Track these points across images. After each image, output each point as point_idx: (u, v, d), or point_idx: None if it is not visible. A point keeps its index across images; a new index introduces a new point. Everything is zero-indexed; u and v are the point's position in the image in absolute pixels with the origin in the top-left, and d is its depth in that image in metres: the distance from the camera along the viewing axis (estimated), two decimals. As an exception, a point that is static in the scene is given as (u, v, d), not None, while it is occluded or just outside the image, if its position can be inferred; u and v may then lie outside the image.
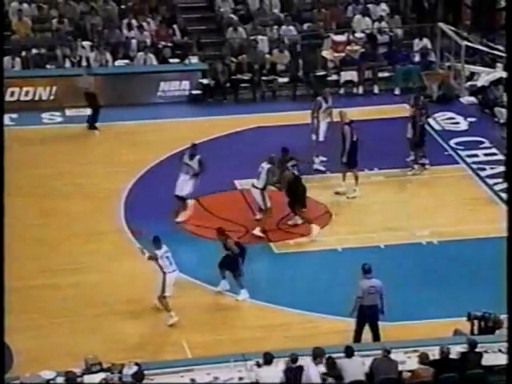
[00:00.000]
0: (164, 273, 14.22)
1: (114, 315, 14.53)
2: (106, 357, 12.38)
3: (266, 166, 16.72)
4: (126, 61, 23.01)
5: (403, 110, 20.61)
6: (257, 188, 16.73)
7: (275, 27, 23.88)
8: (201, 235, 16.77)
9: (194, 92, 22.56)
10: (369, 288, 13.43)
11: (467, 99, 22.40)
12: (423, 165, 18.95)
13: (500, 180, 18.32)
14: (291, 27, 23.77)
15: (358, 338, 13.51)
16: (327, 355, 12.17)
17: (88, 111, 21.53)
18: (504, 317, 12.60)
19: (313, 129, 18.91)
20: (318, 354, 11.99)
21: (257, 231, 16.60)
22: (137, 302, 14.86)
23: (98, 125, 20.91)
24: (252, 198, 17.06)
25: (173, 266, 14.26)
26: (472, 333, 13.19)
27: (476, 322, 13.29)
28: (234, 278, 14.98)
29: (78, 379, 11.89)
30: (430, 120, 21.35)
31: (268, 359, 12.07)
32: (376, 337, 13.50)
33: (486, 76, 22.44)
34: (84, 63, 22.74)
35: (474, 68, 22.96)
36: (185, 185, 16.99)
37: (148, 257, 14.34)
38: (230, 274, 14.96)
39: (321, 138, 18.92)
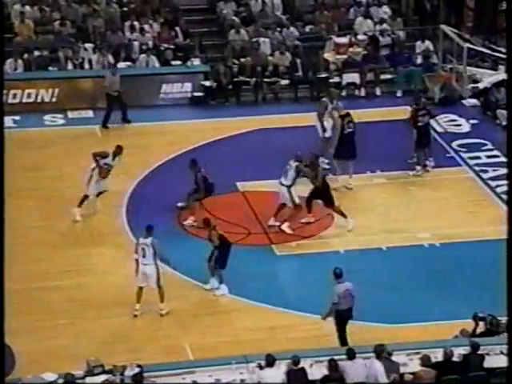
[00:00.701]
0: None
1: (117, 317, 14.52)
2: (107, 359, 12.39)
3: (293, 163, 16.70)
4: (128, 63, 23.03)
5: (405, 112, 20.60)
6: (284, 185, 16.67)
7: (278, 29, 23.90)
8: (202, 237, 16.76)
9: (196, 94, 22.56)
10: (344, 292, 13.42)
11: (469, 101, 22.39)
12: (425, 166, 18.95)
13: (502, 182, 18.32)
14: (294, 29, 23.77)
15: (345, 341, 13.49)
16: (329, 357, 12.18)
17: (89, 113, 21.60)
18: (505, 319, 12.60)
19: (320, 129, 18.89)
20: (380, 351, 11.96)
21: (286, 227, 16.54)
22: (139, 303, 14.84)
23: (97, 127, 20.95)
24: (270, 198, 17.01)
25: (145, 259, 14.33)
26: (474, 333, 13.16)
27: (481, 323, 13.26)
28: (215, 269, 15.00)
29: (80, 381, 11.88)
30: (433, 122, 21.36)
31: (270, 361, 12.07)
32: (343, 339, 13.47)
33: (488, 78, 22.44)
34: (86, 65, 22.78)
35: (476, 70, 22.96)
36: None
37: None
38: (214, 266, 14.99)
39: (327, 135, 18.89)
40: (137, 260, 14.51)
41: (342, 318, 13.48)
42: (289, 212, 16.80)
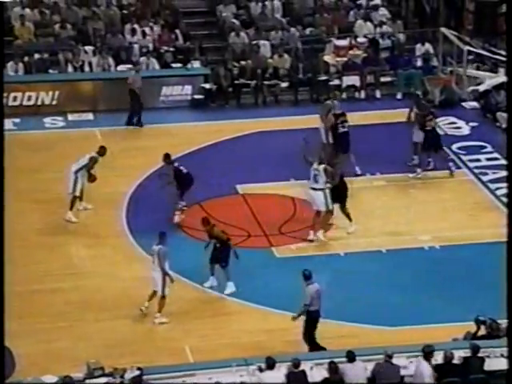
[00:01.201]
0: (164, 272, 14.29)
1: (116, 320, 14.52)
2: (108, 361, 12.39)
3: (319, 166, 16.57)
4: (129, 65, 23.04)
5: (406, 114, 20.60)
6: (318, 190, 16.52)
7: (279, 32, 23.91)
8: (203, 239, 16.77)
9: (196, 97, 22.58)
10: (315, 293, 13.45)
11: (469, 104, 22.41)
12: (426, 169, 18.96)
13: (502, 184, 18.32)
14: (294, 30, 23.79)
15: (314, 342, 13.42)
16: (329, 360, 12.18)
17: (90, 116, 21.64)
18: (505, 323, 12.59)
19: (324, 133, 18.94)
20: (428, 352, 11.94)
21: (321, 235, 16.47)
22: (139, 306, 14.84)
23: (97, 129, 20.98)
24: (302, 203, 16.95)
25: (154, 265, 14.38)
26: (475, 336, 13.15)
27: (482, 327, 13.25)
28: (222, 268, 15.03)
29: (80, 384, 11.90)
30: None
31: (270, 364, 12.07)
32: (313, 339, 13.47)
33: (488, 81, 22.45)
34: (87, 68, 22.80)
35: (476, 73, 22.97)
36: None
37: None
38: (219, 267, 15.00)
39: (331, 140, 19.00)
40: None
41: (313, 318, 13.45)
42: (319, 219, 16.59)
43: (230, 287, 15.04)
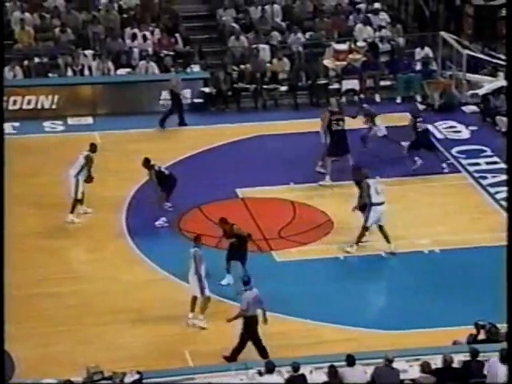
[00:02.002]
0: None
1: (116, 324, 14.51)
2: (107, 365, 12.37)
3: (370, 180, 16.46)
4: (128, 69, 23.06)
5: (405, 118, 20.60)
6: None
7: (278, 36, 23.94)
8: (202, 243, 16.76)
9: (195, 100, 22.59)
10: (253, 299, 13.44)
11: (469, 108, 22.42)
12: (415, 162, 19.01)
13: (502, 188, 18.32)
14: (300, 35, 23.82)
15: (239, 351, 13.36)
16: (329, 364, 12.16)
17: (89, 120, 21.67)
18: (505, 327, 12.58)
19: (323, 135, 18.98)
20: (508, 355, 11.83)
21: (352, 249, 16.36)
22: (138, 310, 14.85)
23: (97, 133, 21.00)
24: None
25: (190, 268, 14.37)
26: (475, 340, 13.14)
27: (482, 331, 13.23)
28: (242, 265, 15.11)
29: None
30: (433, 128, 21.42)
31: (270, 368, 12.06)
32: (262, 347, 13.40)
33: (487, 85, 22.47)
34: (86, 72, 22.82)
35: (475, 77, 22.99)
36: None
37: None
38: (238, 264, 15.07)
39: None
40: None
41: (251, 324, 13.43)
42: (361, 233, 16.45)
43: (229, 279, 15.21)
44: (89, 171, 17.27)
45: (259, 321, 13.48)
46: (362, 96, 21.87)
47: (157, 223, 17.16)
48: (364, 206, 16.52)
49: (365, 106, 20.16)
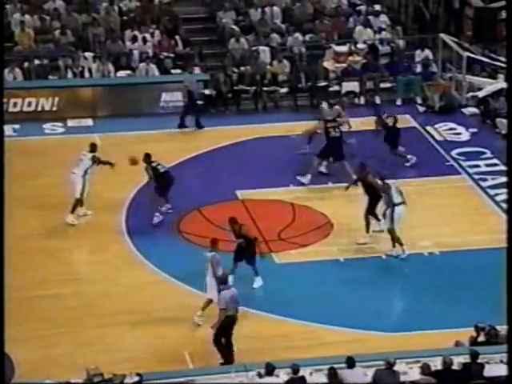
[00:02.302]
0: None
1: (116, 326, 14.51)
2: (107, 367, 12.37)
3: (390, 181, 16.48)
4: (128, 71, 23.07)
5: (405, 120, 20.65)
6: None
7: (278, 38, 23.96)
8: (202, 245, 16.77)
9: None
10: (230, 297, 13.45)
11: (469, 110, 22.43)
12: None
13: (501, 190, 18.33)
14: (299, 37, 23.84)
15: (230, 347, 13.36)
16: (329, 366, 12.16)
17: (89, 122, 21.70)
18: (505, 329, 12.58)
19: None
20: None
21: (393, 251, 16.36)
22: (138, 312, 14.85)
23: (97, 135, 21.01)
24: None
25: (208, 272, 14.28)
26: (475, 342, 13.14)
27: (482, 333, 13.23)
28: (251, 265, 15.18)
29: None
30: (432, 130, 21.45)
31: (269, 369, 12.06)
32: (231, 350, 13.42)
33: (487, 87, 22.49)
34: (86, 74, 22.84)
35: (475, 79, 23.01)
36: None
37: None
38: (241, 265, 15.09)
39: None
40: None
41: (228, 323, 13.42)
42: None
43: (258, 281, 15.27)
44: (105, 163, 17.29)
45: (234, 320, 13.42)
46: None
47: (153, 221, 17.13)
48: (370, 210, 16.52)
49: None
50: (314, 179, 18.74)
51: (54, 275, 15.86)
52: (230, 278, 15.13)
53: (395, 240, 16.28)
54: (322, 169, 18.99)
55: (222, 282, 13.61)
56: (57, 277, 15.82)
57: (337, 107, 19.57)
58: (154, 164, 17.32)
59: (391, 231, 16.27)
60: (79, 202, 17.33)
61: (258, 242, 15.50)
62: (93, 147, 17.58)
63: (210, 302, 14.36)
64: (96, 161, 17.37)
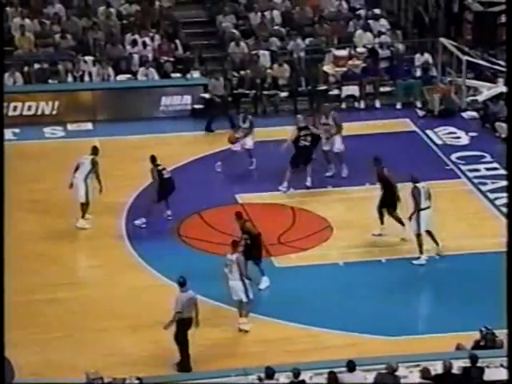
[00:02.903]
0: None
1: (116, 329, 14.51)
2: (107, 371, 12.37)
3: (421, 184, 16.48)
4: (128, 75, 23.09)
5: (405, 124, 20.67)
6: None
7: (278, 42, 23.98)
8: (202, 249, 16.78)
9: (195, 106, 22.62)
10: (187, 301, 13.47)
11: (468, 114, 22.44)
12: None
13: (501, 194, 18.33)
14: (299, 41, 23.85)
15: (186, 349, 13.38)
16: (329, 370, 12.16)
17: (89, 125, 21.72)
18: (503, 334, 12.58)
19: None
20: None
21: (420, 260, 16.34)
22: (138, 316, 14.85)
23: (97, 139, 21.03)
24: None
25: (232, 275, 14.33)
26: (476, 345, 13.13)
27: (486, 338, 13.22)
28: (256, 265, 15.21)
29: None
30: (432, 134, 21.47)
31: (270, 373, 12.05)
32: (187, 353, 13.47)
33: (487, 91, 22.51)
34: (86, 78, 22.85)
35: (475, 83, 23.02)
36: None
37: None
38: (251, 263, 15.12)
39: (325, 148, 19.15)
40: (226, 275, 14.45)
41: (184, 326, 13.44)
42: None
43: (265, 281, 15.30)
44: (97, 177, 17.16)
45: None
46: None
47: (136, 222, 17.16)
48: (384, 205, 16.55)
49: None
50: (321, 182, 18.72)
51: (54, 279, 15.86)
52: (265, 279, 15.25)
53: (420, 247, 16.23)
54: (329, 173, 19.04)
55: (180, 284, 13.59)
56: (56, 281, 15.81)
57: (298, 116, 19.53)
58: (159, 167, 17.30)
59: (418, 236, 16.26)
60: (86, 206, 17.26)
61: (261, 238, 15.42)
62: (94, 150, 17.57)
63: (241, 304, 14.40)
64: (95, 164, 17.29)
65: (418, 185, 16.42)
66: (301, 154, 18.61)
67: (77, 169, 17.39)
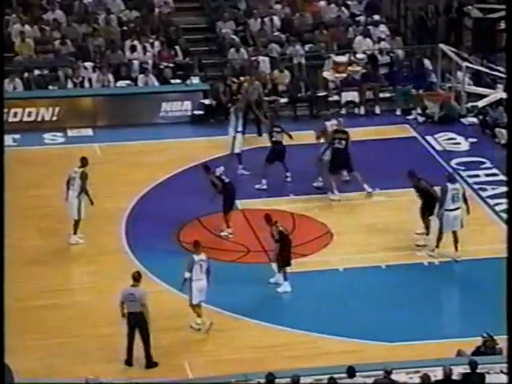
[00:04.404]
0: (191, 280, 14.36)
1: (115, 335, 14.48)
2: (106, 377, 12.35)
3: (454, 185, 16.62)
4: (128, 81, 23.11)
5: (405, 130, 20.67)
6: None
7: (278, 48, 24.00)
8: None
9: (195, 112, 22.63)
10: (128, 295, 13.71)
11: (468, 120, 22.46)
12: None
13: (501, 200, 18.33)
14: (298, 47, 23.88)
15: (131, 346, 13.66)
16: (329, 376, 12.14)
17: (89, 131, 21.74)
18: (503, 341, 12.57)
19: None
20: None
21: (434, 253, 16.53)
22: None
23: (97, 145, 21.02)
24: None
25: (202, 274, 14.41)
26: (476, 351, 13.12)
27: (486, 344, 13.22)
28: (278, 268, 15.29)
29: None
30: (432, 140, 21.48)
31: (270, 379, 12.03)
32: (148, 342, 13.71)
33: (486, 97, 22.52)
34: (86, 84, 22.87)
35: (474, 89, 23.04)
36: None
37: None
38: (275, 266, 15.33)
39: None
40: (186, 279, 14.45)
41: (127, 320, 13.72)
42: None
43: (285, 286, 15.39)
44: (86, 192, 16.83)
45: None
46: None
47: (222, 234, 17.20)
48: (426, 213, 16.66)
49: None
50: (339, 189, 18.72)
51: (53, 285, 15.85)
52: (278, 276, 15.45)
53: (438, 242, 16.46)
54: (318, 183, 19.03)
55: (134, 279, 13.82)
56: (55, 287, 15.80)
57: (340, 119, 19.57)
58: (216, 174, 17.23)
59: (440, 232, 16.41)
60: (78, 223, 17.06)
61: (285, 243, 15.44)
62: (83, 162, 17.11)
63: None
64: (84, 178, 16.90)
65: (448, 184, 16.57)
66: (337, 157, 18.54)
67: (68, 182, 17.13)
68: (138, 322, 13.68)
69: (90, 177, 17.13)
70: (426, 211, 16.89)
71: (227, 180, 17.30)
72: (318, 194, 18.93)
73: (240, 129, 19.74)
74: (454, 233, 16.48)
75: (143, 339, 13.72)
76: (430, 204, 16.83)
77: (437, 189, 17.01)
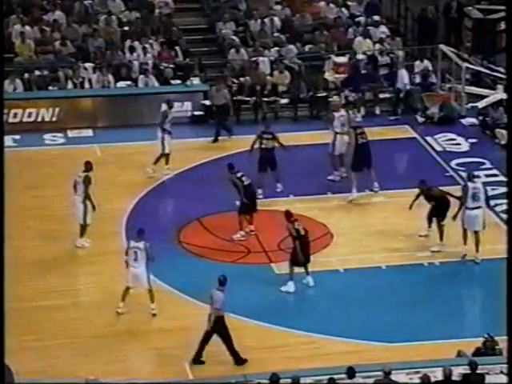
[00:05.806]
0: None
1: (116, 336, 14.51)
2: (106, 377, 12.36)
3: (475, 184, 16.64)
4: (128, 82, 23.11)
5: (405, 131, 20.66)
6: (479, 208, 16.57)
7: (276, 49, 24.02)
8: (202, 256, 16.78)
9: (195, 113, 22.64)
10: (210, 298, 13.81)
11: (468, 120, 22.46)
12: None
13: (501, 201, 18.33)
14: (291, 46, 23.87)
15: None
16: (329, 377, 12.15)
17: (89, 132, 21.74)
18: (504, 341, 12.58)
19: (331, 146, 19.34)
20: None
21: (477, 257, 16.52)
22: (138, 323, 14.84)
23: (97, 146, 21.03)
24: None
25: (137, 262, 14.64)
26: (476, 352, 13.12)
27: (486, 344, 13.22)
28: (289, 265, 15.38)
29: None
30: (432, 141, 21.48)
31: (274, 380, 12.03)
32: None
33: (486, 98, 22.53)
34: (86, 85, 22.87)
35: (474, 89, 23.05)
36: None
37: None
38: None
39: (337, 152, 19.27)
40: (126, 262, 14.81)
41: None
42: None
43: (289, 286, 15.41)
44: (89, 197, 16.75)
45: None
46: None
47: (234, 237, 17.04)
48: (432, 215, 16.71)
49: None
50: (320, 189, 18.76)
51: (54, 286, 15.85)
52: (290, 284, 15.45)
53: (465, 240, 16.50)
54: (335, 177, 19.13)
55: (220, 283, 13.83)
56: (55, 288, 15.81)
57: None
58: (238, 174, 17.12)
59: (464, 231, 16.43)
60: (84, 228, 17.01)
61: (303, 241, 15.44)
62: (87, 166, 17.05)
63: (150, 291, 14.69)
64: (88, 183, 16.84)
65: (469, 183, 16.62)
66: (361, 153, 18.50)
67: (75, 186, 17.14)
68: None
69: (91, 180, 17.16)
70: (436, 216, 16.78)
71: (248, 182, 17.18)
72: (318, 194, 18.94)
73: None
74: (476, 233, 16.44)
75: (224, 340, 13.65)
76: (440, 209, 16.75)
77: (456, 188, 16.96)
